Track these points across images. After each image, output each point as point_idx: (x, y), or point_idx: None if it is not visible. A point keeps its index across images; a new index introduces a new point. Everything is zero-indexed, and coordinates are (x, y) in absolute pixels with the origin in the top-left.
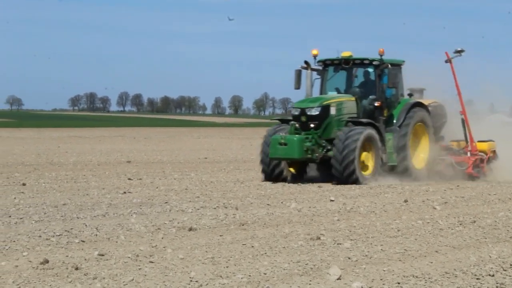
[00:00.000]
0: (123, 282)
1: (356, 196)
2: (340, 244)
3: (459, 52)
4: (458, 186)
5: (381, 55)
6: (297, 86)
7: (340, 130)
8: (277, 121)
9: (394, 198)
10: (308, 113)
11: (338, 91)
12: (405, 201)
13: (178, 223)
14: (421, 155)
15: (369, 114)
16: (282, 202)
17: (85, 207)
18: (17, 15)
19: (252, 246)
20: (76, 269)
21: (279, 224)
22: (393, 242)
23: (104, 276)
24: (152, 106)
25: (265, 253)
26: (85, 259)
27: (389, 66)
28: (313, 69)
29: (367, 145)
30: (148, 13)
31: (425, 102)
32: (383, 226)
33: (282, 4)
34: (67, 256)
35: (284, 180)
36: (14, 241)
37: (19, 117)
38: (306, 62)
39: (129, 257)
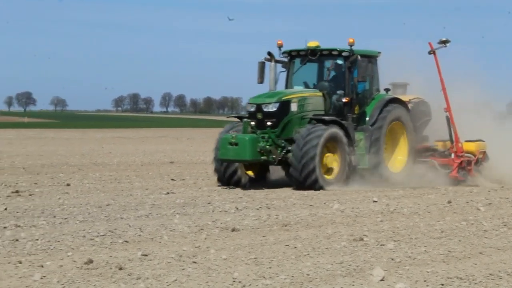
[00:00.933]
0: (167, 282)
1: (399, 197)
2: (383, 245)
3: (444, 42)
4: (502, 187)
5: (351, 45)
6: (260, 80)
7: (299, 129)
8: (235, 119)
9: (438, 199)
10: (265, 109)
11: (307, 85)
12: (449, 202)
13: (221, 223)
14: (399, 157)
15: (339, 111)
16: (324, 203)
17: (129, 208)
18: (60, 17)
19: (295, 247)
20: (120, 269)
21: (322, 225)
22: (437, 243)
23: (148, 276)
24: (195, 106)
25: (308, 254)
26: (129, 259)
27: (359, 57)
28: (277, 61)
29: (331, 145)
30: (191, 14)
31: (405, 98)
32: (426, 227)
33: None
34: (111, 256)
35: (239, 184)
36: (59, 241)
37: (64, 118)
38: (269, 53)
39: (172, 258)
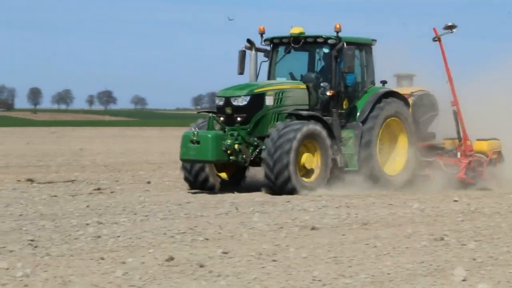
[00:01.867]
0: (247, 280)
1: (481, 196)
2: (465, 245)
3: (450, 28)
4: None
5: (337, 32)
6: (241, 70)
7: (274, 125)
8: (206, 113)
9: None
10: (234, 103)
11: (293, 77)
12: None
13: (301, 222)
14: (397, 157)
15: (326, 106)
16: (404, 202)
17: (209, 205)
18: (139, 17)
19: (375, 246)
20: (201, 266)
21: (402, 224)
22: None
23: (228, 274)
24: None
25: (388, 253)
26: (209, 257)
27: (345, 45)
28: (258, 50)
29: (311, 144)
30: (271, 13)
31: (406, 91)
32: (508, 227)
33: None
34: (191, 253)
35: (211, 188)
36: (140, 238)
37: (143, 116)
38: (249, 41)
39: (252, 256)
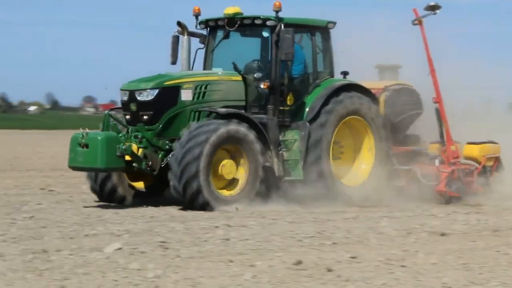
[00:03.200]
0: (375, 285)
1: None
2: None
3: (433, 8)
4: None
5: (277, 12)
6: (173, 59)
7: (188, 126)
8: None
9: None
10: (139, 98)
11: (236, 67)
12: None
13: (429, 227)
14: (362, 165)
15: (267, 101)
16: None
17: (337, 210)
18: None
19: (506, 253)
20: (329, 270)
21: None
22: None
23: (357, 278)
24: None
25: None
26: (337, 261)
27: (282, 27)
28: (191, 34)
29: (234, 149)
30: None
31: (379, 84)
32: None
33: None
34: (319, 257)
35: (121, 200)
36: (268, 242)
37: None
38: (179, 24)
39: (380, 261)
